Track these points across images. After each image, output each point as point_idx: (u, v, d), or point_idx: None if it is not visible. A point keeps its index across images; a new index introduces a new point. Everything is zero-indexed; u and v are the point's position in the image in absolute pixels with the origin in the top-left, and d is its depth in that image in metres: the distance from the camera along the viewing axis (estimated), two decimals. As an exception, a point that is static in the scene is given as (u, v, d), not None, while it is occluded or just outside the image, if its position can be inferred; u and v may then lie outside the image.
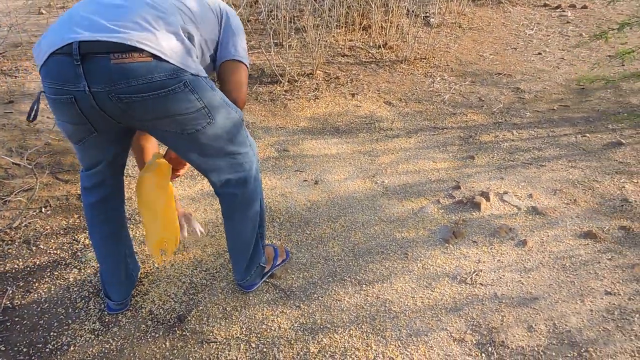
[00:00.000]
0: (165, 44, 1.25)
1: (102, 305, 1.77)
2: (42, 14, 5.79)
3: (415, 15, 4.93)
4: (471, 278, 1.88)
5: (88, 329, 1.68)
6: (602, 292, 1.78)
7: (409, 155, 2.84)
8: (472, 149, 2.92)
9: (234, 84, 1.51)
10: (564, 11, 5.81)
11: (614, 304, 1.73)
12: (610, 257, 1.97)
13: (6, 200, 2.33)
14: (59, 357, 1.57)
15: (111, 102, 1.25)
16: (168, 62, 1.24)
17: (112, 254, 1.67)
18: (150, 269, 1.95)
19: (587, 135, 3.03)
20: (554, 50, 4.64)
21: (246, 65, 1.56)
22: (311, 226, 2.22)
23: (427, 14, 5.37)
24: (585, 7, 5.81)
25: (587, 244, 2.05)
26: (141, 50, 1.20)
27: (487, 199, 2.35)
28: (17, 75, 3.88)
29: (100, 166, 1.52)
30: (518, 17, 5.71)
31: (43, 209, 2.31)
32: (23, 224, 2.20)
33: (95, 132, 1.38)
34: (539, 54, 4.57)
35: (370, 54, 4.35)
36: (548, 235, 2.11)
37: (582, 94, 3.67)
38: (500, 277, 1.88)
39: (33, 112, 1.38)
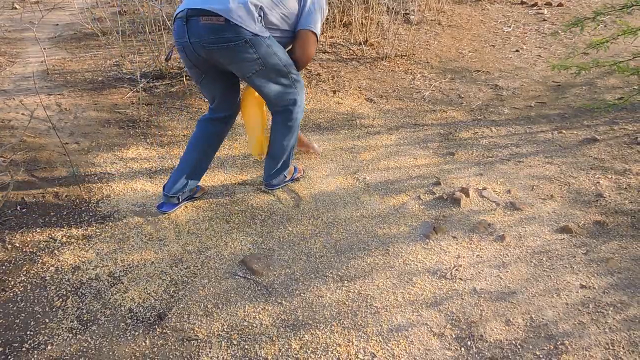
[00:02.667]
0: (235, 12, 1.80)
1: (80, 304, 1.74)
2: (16, 8, 5.64)
3: (395, 13, 4.96)
4: (451, 273, 1.91)
5: (66, 327, 1.65)
6: (577, 286, 1.83)
7: (390, 152, 2.86)
8: (452, 145, 2.96)
9: (300, 45, 2.04)
10: (540, 9, 5.91)
11: (589, 297, 1.78)
12: (585, 251, 2.02)
13: (-21, 198, 2.26)
14: (35, 356, 1.54)
15: (202, 50, 1.88)
16: (235, 24, 1.81)
17: (192, 159, 2.21)
18: (131, 263, 1.93)
19: (563, 131, 3.10)
20: (531, 47, 4.72)
21: (315, 35, 2.04)
22: (293, 223, 2.22)
23: (407, 11, 5.41)
24: (561, 4, 5.92)
25: (563, 238, 2.10)
26: (218, 15, 1.80)
27: (467, 195, 2.38)
28: (-11, 69, 3.77)
29: (215, 102, 2.17)
30: (496, 15, 5.79)
31: (18, 207, 2.25)
32: (-3, 223, 2.14)
33: (204, 74, 2.04)
34: (517, 51, 4.65)
35: (351, 51, 4.36)
36: (525, 231, 2.16)
37: (558, 90, 3.75)
38: (479, 272, 1.91)
39: (168, 56, 2.30)
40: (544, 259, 1.98)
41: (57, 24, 5.07)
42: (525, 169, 2.67)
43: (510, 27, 5.35)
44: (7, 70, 3.83)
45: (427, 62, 4.27)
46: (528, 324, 1.67)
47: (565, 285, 1.84)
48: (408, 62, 4.24)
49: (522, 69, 4.20)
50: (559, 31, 4.99)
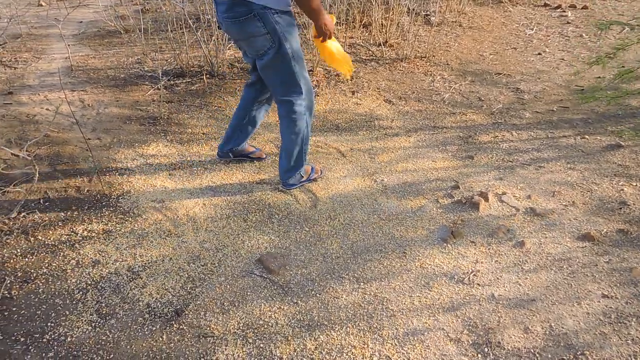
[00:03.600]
0: None
1: (100, 298, 1.77)
2: (42, 5, 5.75)
3: (415, 14, 4.92)
4: (469, 278, 1.88)
5: (85, 320, 1.67)
6: (599, 295, 1.79)
7: (409, 154, 2.84)
8: (471, 148, 2.93)
9: None
10: (564, 11, 5.81)
11: (611, 307, 1.74)
12: (607, 260, 1.98)
13: (5, 191, 2.31)
14: (56, 347, 1.57)
15: (224, 24, 2.07)
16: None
17: (236, 116, 2.49)
18: (149, 261, 1.95)
19: (586, 137, 3.04)
20: (553, 50, 4.65)
21: None
22: (310, 223, 2.23)
23: (428, 13, 5.36)
24: (585, 7, 5.81)
25: (585, 246, 2.06)
26: None
27: (486, 199, 2.35)
28: (16, 66, 3.86)
29: (251, 67, 2.37)
30: (518, 17, 5.71)
31: (42, 201, 2.30)
32: (22, 215, 2.19)
33: (239, 46, 2.31)
34: (539, 54, 4.57)
35: (370, 52, 4.34)
36: (546, 237, 2.12)
37: (581, 95, 3.68)
38: (498, 278, 1.89)
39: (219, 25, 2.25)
40: (564, 266, 1.95)
41: (81, 21, 5.16)
42: (547, 175, 2.63)
43: (532, 29, 5.27)
44: (33, 65, 3.90)
45: (447, 64, 4.23)
46: (547, 332, 1.64)
47: (587, 294, 1.80)
48: (428, 63, 4.21)
49: (544, 72, 4.13)
50: (583, 34, 4.90)
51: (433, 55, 4.34)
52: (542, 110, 3.47)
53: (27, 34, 4.67)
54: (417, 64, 4.18)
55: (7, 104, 3.25)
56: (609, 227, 2.17)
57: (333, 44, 2.19)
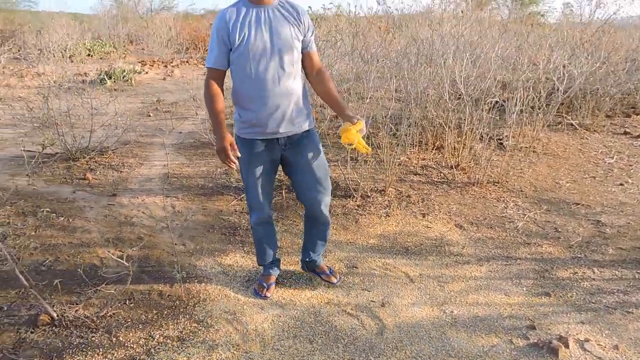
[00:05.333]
0: None
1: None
2: (149, 116, 6.65)
3: (489, 138, 5.06)
4: None
5: None
6: None
7: (480, 285, 2.78)
8: (548, 284, 2.81)
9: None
10: (647, 142, 5.69)
11: None
12: None
13: (97, 289, 2.55)
14: None
15: None
16: None
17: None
18: None
19: (680, 282, 2.81)
20: (637, 181, 4.50)
21: None
22: (376, 352, 2.19)
23: (501, 137, 5.49)
24: (670, 139, 5.66)
25: (686, 416, 1.83)
26: None
27: (566, 346, 2.20)
28: (122, 170, 4.41)
29: None
30: (596, 145, 5.66)
31: (127, 301, 2.49)
32: (108, 314, 2.37)
33: None
34: (621, 184, 4.44)
35: (442, 174, 4.46)
36: (638, 399, 1.92)
37: (671, 234, 3.46)
38: None
39: None
40: None
41: (181, 132, 5.86)
42: (636, 322, 2.43)
43: (612, 158, 5.19)
44: (136, 170, 4.44)
45: (521, 191, 4.22)
46: None
47: None
48: (500, 189, 4.23)
49: (628, 205, 3.97)
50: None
51: (506, 181, 4.37)
52: (627, 246, 3.29)
53: (135, 141, 5.37)
54: (490, 189, 4.22)
55: (110, 204, 3.67)
56: None
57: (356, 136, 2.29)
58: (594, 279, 2.88)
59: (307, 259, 2.71)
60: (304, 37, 2.23)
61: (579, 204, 4.00)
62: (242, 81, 2.17)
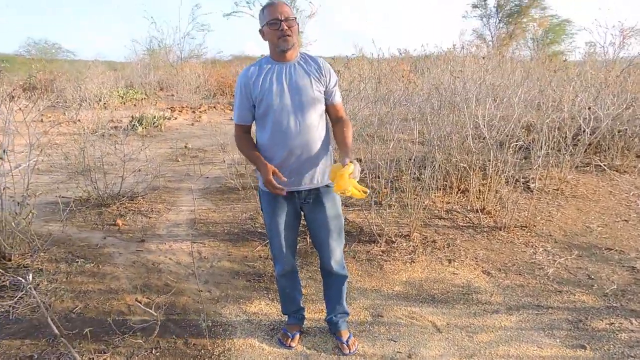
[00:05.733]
0: None
1: None
2: (178, 161, 6.86)
3: (515, 181, 5.01)
4: None
5: None
6: None
7: (510, 336, 2.69)
8: (583, 336, 2.69)
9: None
10: (681, 183, 5.52)
11: None
12: None
13: (124, 337, 2.58)
14: None
15: None
16: None
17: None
18: None
19: None
20: (673, 225, 4.33)
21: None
22: (403, 408, 2.13)
23: (527, 180, 5.43)
24: None
25: None
26: None
27: (605, 405, 2.09)
28: (151, 216, 4.52)
29: None
30: (627, 186, 5.52)
31: (153, 350, 2.51)
32: (134, 364, 2.39)
33: None
34: (656, 228, 4.29)
35: (467, 219, 4.41)
36: None
37: None
38: None
39: None
40: None
41: (208, 177, 6.01)
42: (680, 380, 2.29)
43: (645, 200, 5.03)
44: (164, 216, 4.55)
45: (550, 235, 4.12)
46: None
47: None
48: (528, 233, 4.14)
49: (664, 251, 3.82)
50: None
51: (534, 225, 4.28)
52: (665, 295, 3.15)
53: (164, 187, 5.52)
54: (517, 233, 4.14)
55: (139, 250, 3.76)
56: None
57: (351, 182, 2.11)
58: (632, 330, 2.75)
59: (328, 319, 2.66)
60: (326, 88, 2.29)
61: (611, 249, 3.87)
62: (264, 135, 2.26)
